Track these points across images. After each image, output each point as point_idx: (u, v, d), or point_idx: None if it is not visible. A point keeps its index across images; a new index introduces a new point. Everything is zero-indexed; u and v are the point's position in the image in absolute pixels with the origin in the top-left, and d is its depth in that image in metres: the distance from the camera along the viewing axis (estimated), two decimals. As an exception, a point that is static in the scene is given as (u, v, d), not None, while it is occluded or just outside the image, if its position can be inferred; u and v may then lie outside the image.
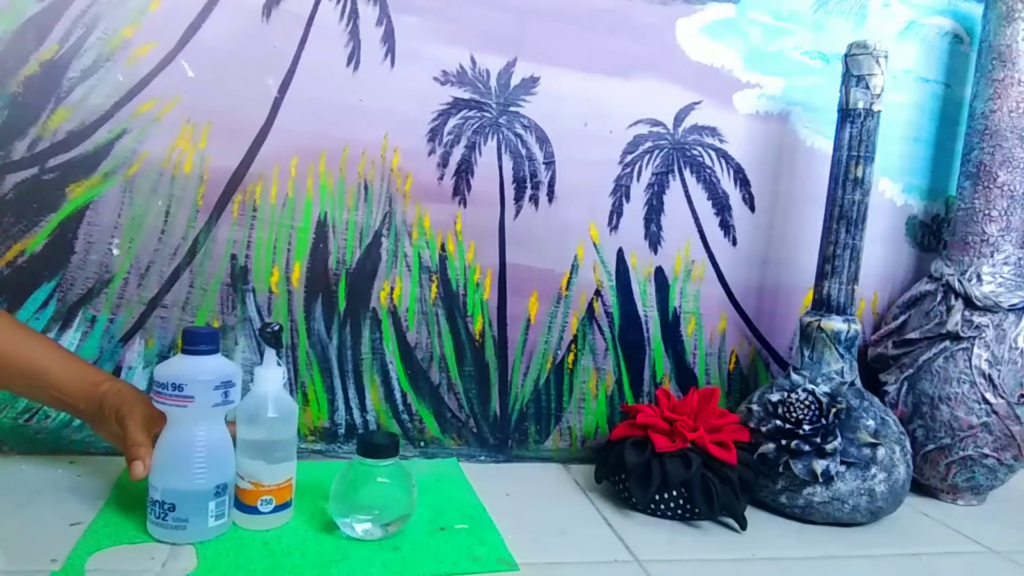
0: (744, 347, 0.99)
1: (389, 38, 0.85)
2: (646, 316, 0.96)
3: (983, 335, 0.88)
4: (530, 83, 0.89)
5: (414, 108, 0.86)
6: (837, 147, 0.85)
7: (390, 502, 0.66)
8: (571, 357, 0.94)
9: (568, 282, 0.93)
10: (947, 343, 0.90)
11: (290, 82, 0.82)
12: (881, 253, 1.03)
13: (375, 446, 0.66)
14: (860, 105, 0.83)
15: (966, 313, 0.89)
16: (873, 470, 0.79)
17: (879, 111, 0.84)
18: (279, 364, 0.68)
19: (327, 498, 0.73)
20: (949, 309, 0.90)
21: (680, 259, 0.96)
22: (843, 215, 0.85)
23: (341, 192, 0.85)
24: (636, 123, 0.93)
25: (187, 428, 0.63)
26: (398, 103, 0.85)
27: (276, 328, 0.67)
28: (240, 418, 0.66)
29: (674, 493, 0.77)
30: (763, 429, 0.83)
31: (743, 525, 0.76)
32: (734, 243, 0.98)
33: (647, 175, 0.94)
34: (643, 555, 0.69)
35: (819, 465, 0.78)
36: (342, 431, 0.88)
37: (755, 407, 0.85)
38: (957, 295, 0.90)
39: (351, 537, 0.66)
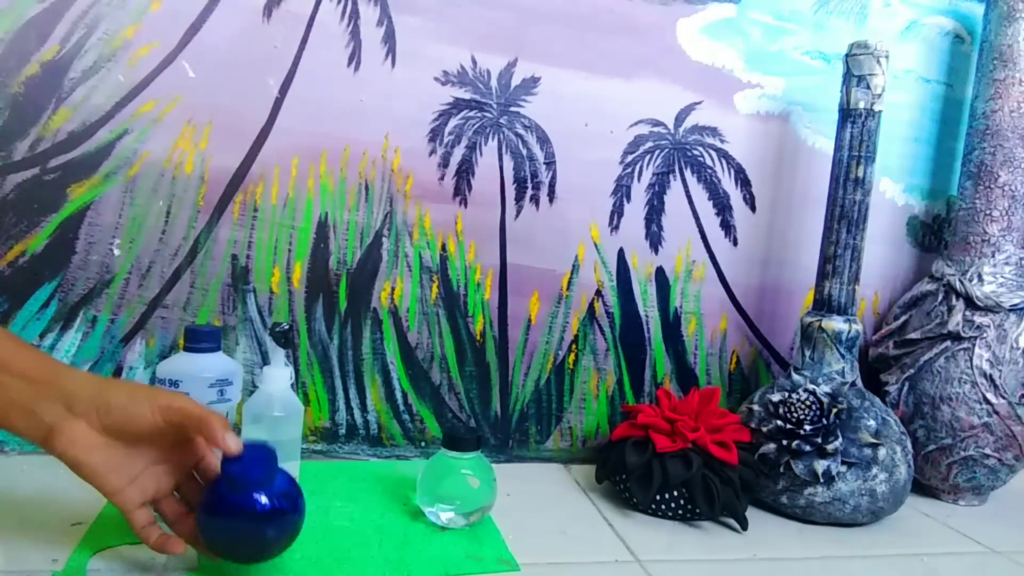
0: (745, 347, 0.99)
1: (390, 38, 0.85)
2: (647, 316, 0.96)
3: (984, 335, 0.88)
4: (531, 83, 0.89)
5: (415, 108, 0.86)
6: (838, 147, 0.85)
7: (471, 493, 0.69)
8: (572, 357, 0.94)
9: (569, 282, 0.93)
10: (948, 343, 0.89)
11: (291, 82, 0.82)
12: (882, 253, 1.03)
13: (458, 439, 0.70)
14: (861, 105, 0.83)
15: (967, 313, 0.89)
16: (874, 470, 0.79)
17: (880, 111, 0.83)
18: (287, 364, 0.68)
19: (328, 498, 0.74)
20: (950, 309, 0.90)
21: (681, 259, 0.96)
22: (844, 215, 0.85)
23: (342, 192, 0.85)
24: (637, 123, 0.93)
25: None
26: (399, 103, 0.85)
27: (285, 328, 0.67)
28: (246, 416, 0.66)
29: (675, 493, 0.77)
30: (764, 429, 0.83)
31: (744, 525, 0.76)
32: (735, 243, 0.98)
33: (648, 175, 0.94)
34: (644, 555, 0.69)
35: (820, 465, 0.78)
36: (343, 431, 0.88)
37: (756, 407, 0.85)
38: (958, 295, 0.90)
39: (348, 535, 0.66)
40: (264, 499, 0.53)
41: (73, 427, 0.51)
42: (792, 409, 0.81)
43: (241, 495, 0.53)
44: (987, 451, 0.88)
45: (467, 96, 0.87)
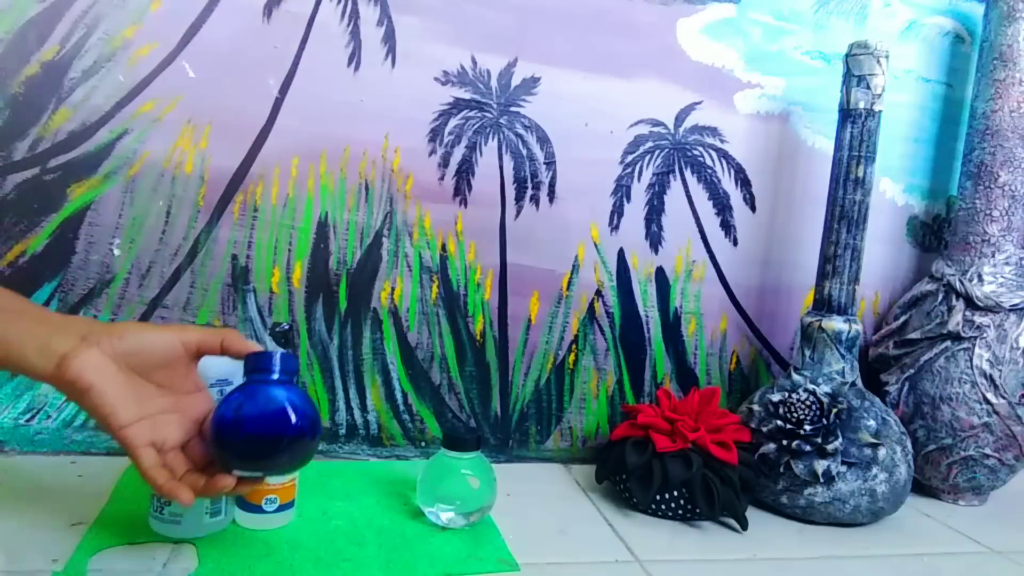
0: (745, 347, 0.99)
1: (390, 38, 0.85)
2: (647, 316, 0.96)
3: (984, 335, 0.88)
4: (531, 83, 0.89)
5: (415, 108, 0.86)
6: (838, 147, 0.85)
7: (471, 493, 0.69)
8: (572, 357, 0.94)
9: (569, 282, 0.93)
10: (948, 343, 0.89)
11: (291, 82, 0.82)
12: (882, 253, 1.03)
13: (458, 439, 0.70)
14: (861, 105, 0.83)
15: (967, 313, 0.89)
16: (874, 470, 0.79)
17: (880, 111, 0.83)
18: None
19: (328, 498, 0.74)
20: (950, 309, 0.90)
21: (681, 259, 0.96)
22: (844, 215, 0.85)
23: (342, 192, 0.85)
24: (637, 123, 0.93)
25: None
26: (399, 103, 0.85)
27: (285, 328, 0.67)
28: None
29: (675, 493, 0.77)
30: (764, 429, 0.83)
31: (744, 525, 0.76)
32: (735, 243, 0.98)
33: (648, 175, 0.94)
34: (644, 555, 0.69)
35: (820, 465, 0.78)
36: (343, 431, 0.88)
37: (756, 407, 0.85)
38: (958, 295, 0.90)
39: (348, 535, 0.66)
40: (287, 396, 0.54)
41: (87, 352, 0.50)
42: (792, 409, 0.81)
43: (268, 390, 0.54)
44: (987, 451, 0.88)
45: (467, 96, 0.87)
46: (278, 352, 0.56)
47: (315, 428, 0.55)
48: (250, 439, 0.53)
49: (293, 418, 0.53)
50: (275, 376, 0.55)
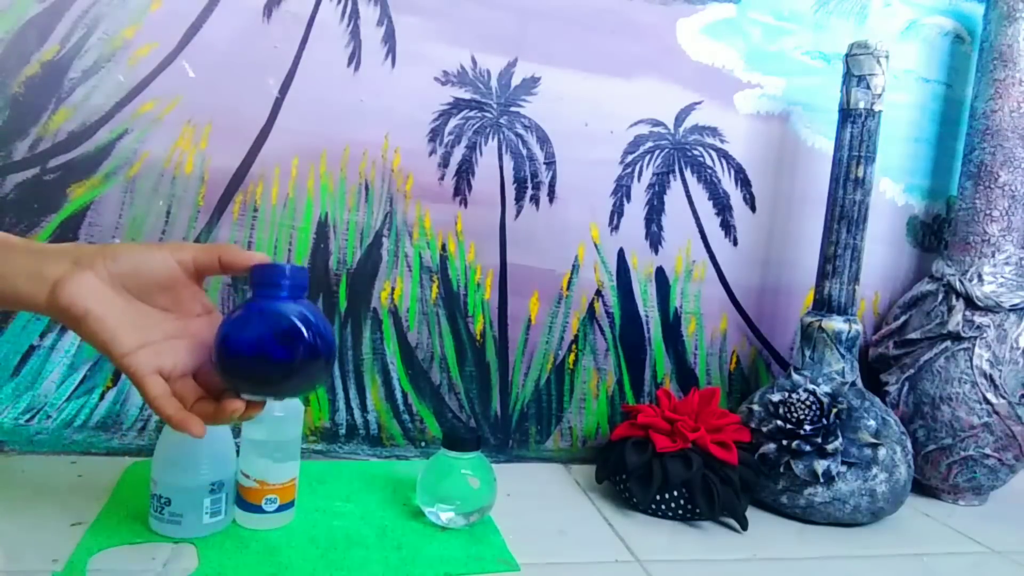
0: (745, 347, 0.99)
1: (390, 38, 0.85)
2: (647, 316, 0.96)
3: (984, 335, 0.88)
4: (531, 83, 0.89)
5: (415, 108, 0.86)
6: (838, 147, 0.85)
7: (471, 493, 0.69)
8: (572, 357, 0.94)
9: (569, 282, 0.93)
10: (948, 343, 0.89)
11: (291, 82, 0.82)
12: (882, 253, 1.03)
13: (458, 439, 0.70)
14: (861, 105, 0.83)
15: (967, 313, 0.89)
16: (874, 470, 0.79)
17: (880, 111, 0.84)
18: None
19: (328, 498, 0.74)
20: (950, 309, 0.90)
21: (681, 259, 0.96)
22: (844, 215, 0.85)
23: (342, 192, 0.85)
24: (637, 123, 0.93)
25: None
26: (399, 103, 0.85)
27: None
28: None
29: (675, 493, 0.77)
30: (764, 429, 0.83)
31: (744, 525, 0.76)
32: (735, 243, 0.98)
33: (648, 175, 0.94)
34: (644, 555, 0.69)
35: (820, 465, 0.78)
36: (343, 431, 0.88)
37: (756, 407, 0.85)
38: (958, 295, 0.90)
39: (348, 535, 0.66)
40: (299, 311, 0.49)
41: (80, 276, 0.46)
42: (792, 409, 0.81)
43: (278, 306, 0.49)
44: (987, 451, 0.88)
45: (467, 96, 0.87)
46: (287, 263, 0.50)
47: (330, 348, 0.50)
48: (258, 360, 0.48)
49: (307, 335, 0.48)
50: (285, 291, 0.49)
